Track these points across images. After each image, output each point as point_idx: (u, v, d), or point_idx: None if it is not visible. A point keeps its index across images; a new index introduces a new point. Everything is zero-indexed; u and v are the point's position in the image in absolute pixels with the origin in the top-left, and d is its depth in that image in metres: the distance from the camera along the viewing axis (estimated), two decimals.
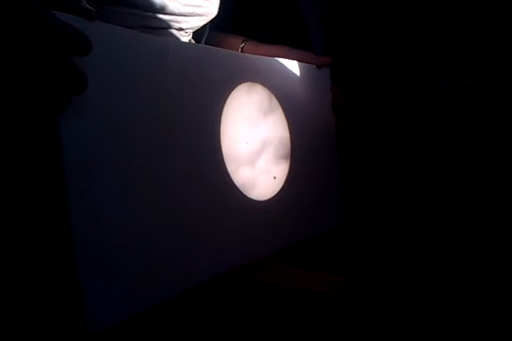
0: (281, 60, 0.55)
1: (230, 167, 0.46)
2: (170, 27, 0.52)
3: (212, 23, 0.60)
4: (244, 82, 0.49)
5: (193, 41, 0.59)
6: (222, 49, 0.47)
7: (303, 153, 0.57)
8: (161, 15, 0.50)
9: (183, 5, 0.52)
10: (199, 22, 0.56)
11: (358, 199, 0.69)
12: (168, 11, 0.50)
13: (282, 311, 0.43)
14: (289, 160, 0.55)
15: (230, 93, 0.47)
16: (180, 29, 0.54)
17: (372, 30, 0.74)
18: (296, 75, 0.57)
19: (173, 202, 0.40)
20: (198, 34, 0.60)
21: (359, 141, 0.72)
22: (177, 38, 0.54)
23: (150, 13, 0.48)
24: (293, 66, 0.57)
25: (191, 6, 0.53)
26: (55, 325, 0.34)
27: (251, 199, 0.49)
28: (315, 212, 0.58)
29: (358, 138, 0.72)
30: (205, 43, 0.61)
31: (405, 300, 0.44)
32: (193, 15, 0.54)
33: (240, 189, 0.47)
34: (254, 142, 0.50)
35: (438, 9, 0.71)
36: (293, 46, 0.61)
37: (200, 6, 0.54)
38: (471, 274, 0.49)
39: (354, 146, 0.72)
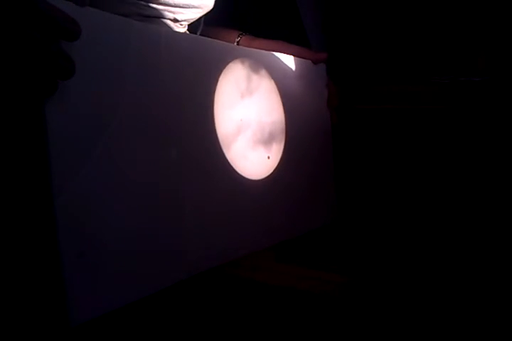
0: (276, 54, 0.54)
1: (224, 145, 0.45)
2: (164, 17, 0.51)
3: (208, 16, 0.59)
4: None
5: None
6: (215, 40, 0.47)
7: (296, 142, 0.56)
8: (154, 5, 0.49)
9: None
10: (194, 14, 0.55)
11: (351, 197, 0.68)
12: (161, 1, 0.49)
13: (276, 310, 0.43)
14: (281, 143, 0.54)
15: (219, 76, 0.45)
16: (175, 20, 0.53)
17: (368, 27, 0.74)
18: (291, 70, 0.56)
19: (159, 194, 0.39)
20: (192, 27, 0.59)
21: (354, 138, 0.71)
22: (171, 29, 0.53)
23: (143, 2, 0.48)
24: (289, 61, 0.56)
25: None
26: (37, 317, 0.33)
27: (242, 177, 0.48)
28: (307, 208, 0.58)
29: (353, 134, 0.71)
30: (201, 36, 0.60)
31: (401, 299, 0.44)
32: (188, 7, 0.53)
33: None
34: (229, 125, 0.47)
35: (435, 7, 0.70)
36: (289, 42, 0.60)
37: None
38: (465, 272, 0.48)
39: (348, 143, 0.71)
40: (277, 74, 0.54)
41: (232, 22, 0.66)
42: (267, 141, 0.51)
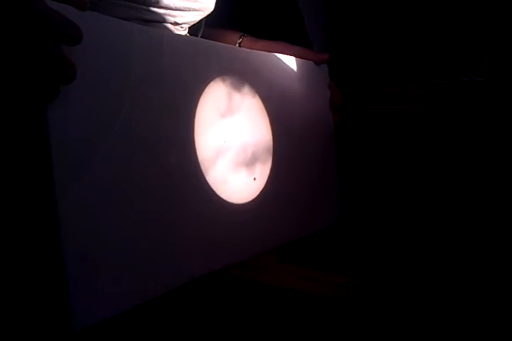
0: (278, 55, 0.54)
1: (204, 167, 0.43)
2: (165, 21, 0.51)
3: (209, 18, 0.59)
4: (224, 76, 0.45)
5: None
6: (218, 42, 0.47)
7: (298, 144, 0.55)
8: (155, 9, 0.49)
9: None
10: (195, 17, 0.55)
11: (355, 197, 0.68)
12: (163, 5, 0.49)
13: (280, 311, 0.43)
14: (268, 162, 0.51)
15: (205, 88, 0.44)
16: (176, 23, 0.53)
17: (370, 28, 0.74)
18: (293, 71, 0.56)
19: (161, 198, 0.39)
20: (193, 29, 0.59)
21: (357, 138, 0.71)
22: (172, 32, 0.53)
23: (144, 7, 0.48)
24: (290, 62, 0.56)
25: (187, 0, 0.52)
26: (40, 322, 0.34)
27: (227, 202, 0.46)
28: (310, 210, 0.57)
29: (356, 135, 0.71)
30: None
31: (405, 300, 0.44)
32: (189, 10, 0.53)
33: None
34: (208, 148, 0.44)
35: (436, 6, 0.70)
36: (291, 43, 0.60)
37: (197, 1, 0.53)
38: (469, 274, 0.48)
39: (352, 143, 0.71)
40: (279, 75, 0.54)
41: (234, 23, 0.66)
42: (250, 162, 0.49)
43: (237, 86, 0.47)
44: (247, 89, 0.49)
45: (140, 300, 0.36)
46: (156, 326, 0.40)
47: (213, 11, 0.58)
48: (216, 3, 0.57)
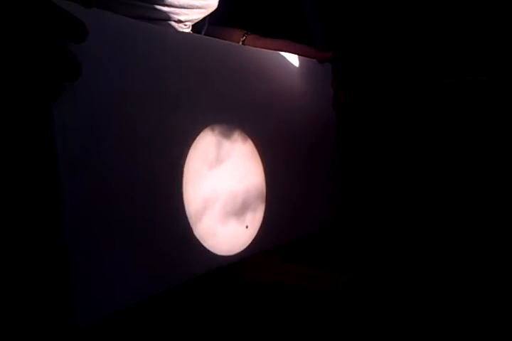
0: (282, 53, 0.54)
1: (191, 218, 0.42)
2: (169, 19, 0.51)
3: (213, 16, 0.59)
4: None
5: None
6: (222, 40, 0.47)
7: (300, 142, 0.55)
8: (159, 7, 0.49)
9: None
10: (199, 14, 0.55)
11: (357, 196, 0.68)
12: (167, 3, 0.49)
13: (281, 309, 0.43)
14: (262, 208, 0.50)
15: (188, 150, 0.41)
16: (179, 21, 0.53)
17: (373, 26, 0.74)
18: (296, 69, 0.56)
19: (166, 195, 0.39)
20: (197, 27, 0.59)
21: (360, 137, 0.71)
22: (176, 30, 0.53)
23: (148, 4, 0.48)
24: (294, 60, 0.56)
25: None
26: (44, 318, 0.34)
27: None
28: (313, 209, 0.58)
29: (359, 133, 0.71)
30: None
31: (404, 298, 0.44)
32: (193, 8, 0.53)
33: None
34: (196, 201, 0.42)
35: (440, 5, 0.70)
36: (294, 40, 0.60)
37: None
38: (469, 273, 0.48)
39: (355, 141, 0.71)
40: (282, 73, 0.54)
41: (237, 21, 0.66)
42: (240, 210, 0.47)
43: (227, 134, 0.46)
44: (236, 136, 0.47)
45: (143, 296, 0.37)
46: (158, 324, 0.41)
47: (217, 9, 0.58)
48: (220, 1, 0.57)
